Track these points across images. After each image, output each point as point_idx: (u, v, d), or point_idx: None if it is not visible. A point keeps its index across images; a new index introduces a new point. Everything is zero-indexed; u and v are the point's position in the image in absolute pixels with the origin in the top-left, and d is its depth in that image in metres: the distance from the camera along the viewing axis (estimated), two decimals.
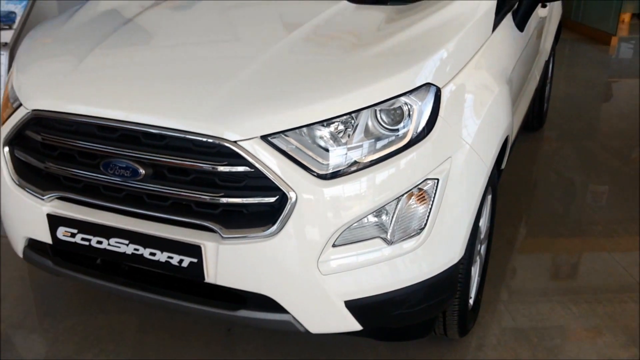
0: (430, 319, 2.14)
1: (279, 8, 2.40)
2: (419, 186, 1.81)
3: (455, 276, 1.98)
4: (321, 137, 1.77)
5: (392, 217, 1.80)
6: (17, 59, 2.29)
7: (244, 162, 1.72)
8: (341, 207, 1.74)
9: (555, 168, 4.07)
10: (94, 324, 2.47)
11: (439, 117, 1.86)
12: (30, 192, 2.01)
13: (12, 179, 2.05)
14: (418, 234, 1.83)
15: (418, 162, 1.80)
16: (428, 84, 1.86)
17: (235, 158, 1.73)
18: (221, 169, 1.75)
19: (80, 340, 2.37)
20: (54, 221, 1.97)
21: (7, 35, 2.90)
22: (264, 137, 1.72)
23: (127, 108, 1.84)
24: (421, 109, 1.83)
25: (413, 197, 1.81)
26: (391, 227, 1.80)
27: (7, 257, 2.92)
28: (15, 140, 2.05)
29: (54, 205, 1.98)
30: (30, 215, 2.02)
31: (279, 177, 1.71)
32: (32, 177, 2.04)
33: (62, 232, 1.97)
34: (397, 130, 1.81)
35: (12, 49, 2.89)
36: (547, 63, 4.21)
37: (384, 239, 1.80)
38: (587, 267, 2.92)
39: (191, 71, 1.97)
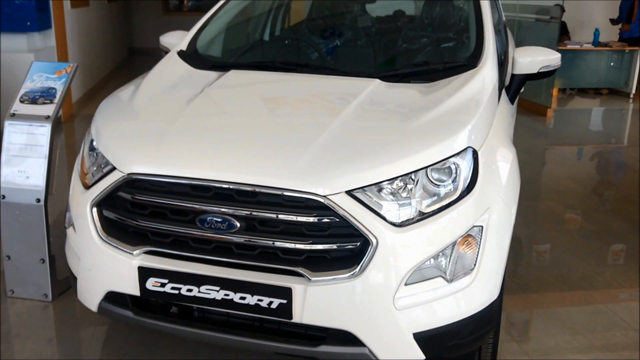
0: (472, 352, 2.44)
1: (326, 84, 2.80)
2: (469, 232, 2.16)
3: (495, 310, 2.31)
4: (392, 191, 2.10)
5: (450, 258, 2.13)
6: (99, 127, 2.50)
7: (332, 213, 2.03)
8: (413, 249, 2.06)
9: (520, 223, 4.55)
10: None
11: (479, 174, 2.23)
12: (119, 247, 2.21)
13: (100, 237, 2.24)
14: (470, 272, 2.16)
15: (468, 211, 2.16)
16: (468, 147, 2.25)
17: (323, 210, 2.03)
18: (308, 219, 2.04)
19: None
20: (145, 273, 2.17)
21: (49, 109, 3.12)
22: (349, 192, 2.04)
23: (225, 169, 2.11)
24: (467, 167, 2.21)
25: (465, 240, 2.15)
26: (449, 267, 2.12)
27: (33, 321, 3.03)
28: (104, 200, 2.27)
29: (143, 259, 2.18)
30: (118, 269, 2.21)
31: (363, 225, 2.02)
32: (118, 233, 2.25)
33: (151, 283, 2.17)
34: (448, 185, 2.17)
35: (54, 121, 3.10)
36: None
37: (444, 278, 2.12)
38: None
39: (273, 135, 2.29)
